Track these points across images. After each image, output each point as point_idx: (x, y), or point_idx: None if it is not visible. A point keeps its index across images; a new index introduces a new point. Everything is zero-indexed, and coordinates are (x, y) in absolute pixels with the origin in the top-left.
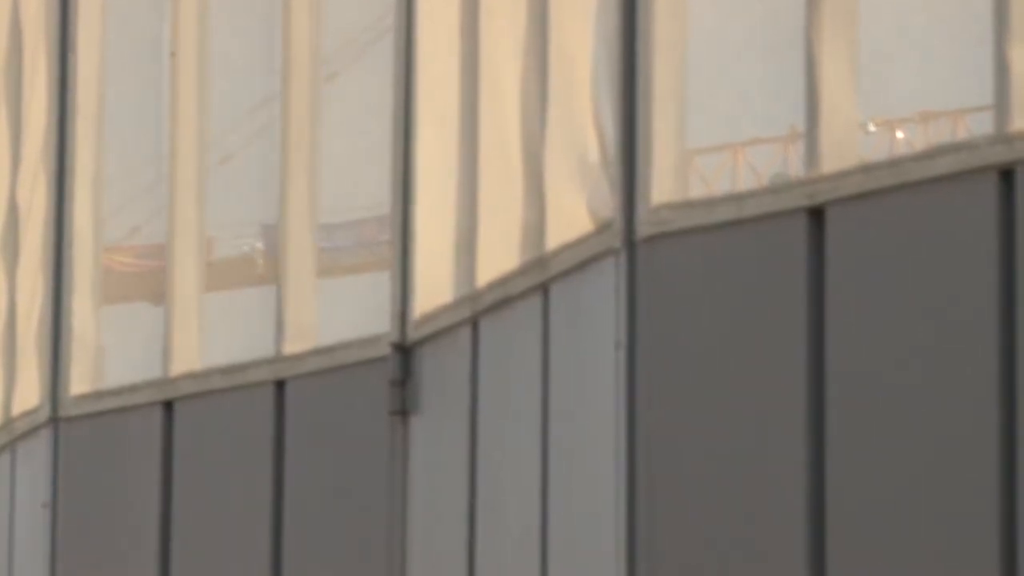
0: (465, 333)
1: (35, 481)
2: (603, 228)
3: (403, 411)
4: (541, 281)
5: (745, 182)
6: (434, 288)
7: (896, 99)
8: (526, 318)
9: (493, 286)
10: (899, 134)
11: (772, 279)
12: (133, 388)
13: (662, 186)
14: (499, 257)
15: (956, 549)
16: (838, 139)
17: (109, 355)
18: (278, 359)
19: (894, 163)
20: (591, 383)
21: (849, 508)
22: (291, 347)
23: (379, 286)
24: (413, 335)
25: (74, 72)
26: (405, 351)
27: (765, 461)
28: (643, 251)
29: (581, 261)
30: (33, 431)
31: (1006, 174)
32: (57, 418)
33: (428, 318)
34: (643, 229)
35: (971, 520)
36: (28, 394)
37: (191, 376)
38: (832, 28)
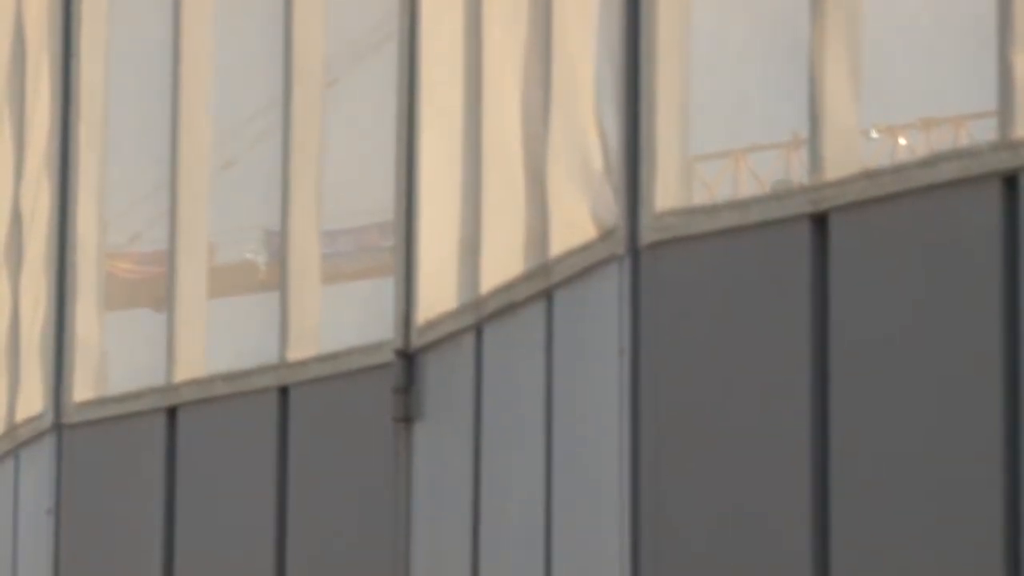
0: (469, 340)
1: (39, 488)
2: (606, 234)
3: (407, 418)
4: (545, 287)
5: (747, 188)
6: (438, 294)
7: (898, 105)
8: (530, 324)
9: (497, 292)
10: (901, 140)
11: (776, 285)
12: (137, 394)
13: (666, 192)
14: (503, 263)
15: (960, 562)
16: (841, 145)
17: (112, 361)
18: (282, 365)
19: (898, 169)
20: (595, 389)
21: (853, 513)
22: (295, 353)
23: (382, 292)
24: (417, 342)
25: (77, 78)
26: (409, 358)
27: (769, 467)
28: (647, 257)
29: (585, 267)
30: (36, 437)
31: (1010, 181)
32: (60, 424)
33: (432, 324)
34: (647, 235)
35: (974, 527)
36: (31, 400)
37: (195, 382)
38: (834, 34)
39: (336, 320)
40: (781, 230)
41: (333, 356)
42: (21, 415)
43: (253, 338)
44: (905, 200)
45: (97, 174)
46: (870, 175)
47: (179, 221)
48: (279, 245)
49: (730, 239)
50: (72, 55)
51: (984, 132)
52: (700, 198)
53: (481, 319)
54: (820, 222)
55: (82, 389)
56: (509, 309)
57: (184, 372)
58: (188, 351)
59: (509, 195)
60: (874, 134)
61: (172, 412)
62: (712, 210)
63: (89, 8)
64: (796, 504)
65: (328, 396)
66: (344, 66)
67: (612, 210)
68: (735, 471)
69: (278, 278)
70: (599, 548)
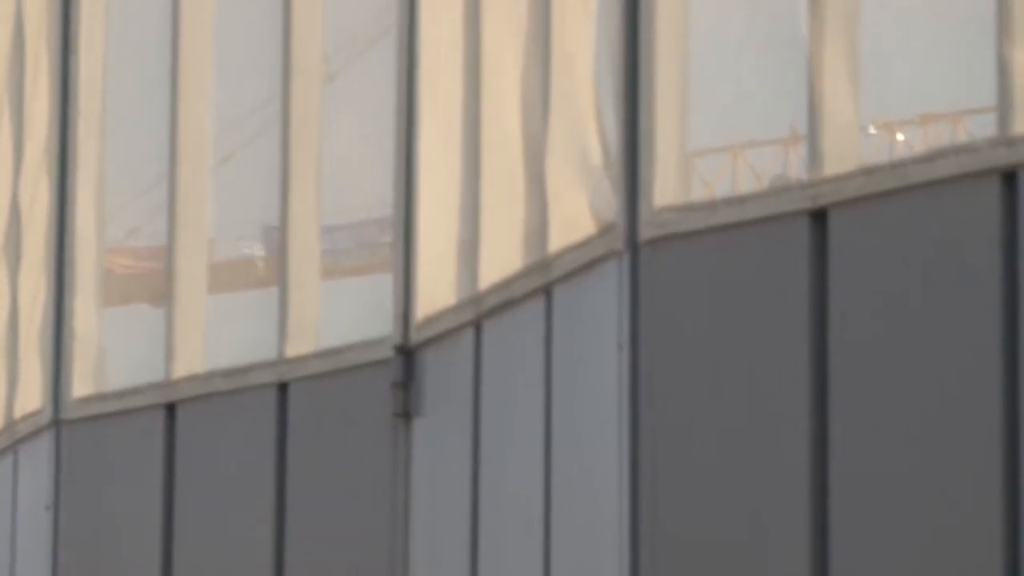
0: (468, 335)
1: (37, 484)
2: (605, 230)
3: (406, 413)
4: (544, 283)
5: (745, 184)
6: (437, 290)
7: (897, 101)
8: (529, 320)
9: (496, 288)
10: (900, 136)
11: (774, 281)
12: (135, 390)
13: (664, 188)
14: (502, 259)
15: (958, 556)
16: (839, 141)
17: (111, 357)
18: (281, 361)
19: (896, 166)
20: (594, 385)
21: (851, 506)
22: (294, 349)
23: (381, 288)
24: (416, 337)
25: (76, 72)
26: (408, 353)
27: (767, 462)
28: (645, 253)
29: (584, 263)
30: (35, 433)
31: (1008, 177)
32: (59, 420)
33: (431, 320)
34: (645, 231)
35: (973, 523)
36: (30, 396)
37: (193, 378)
38: (833, 30)
39: (335, 316)
40: (779, 226)
41: (332, 352)
42: (20, 411)
43: (252, 334)
44: (904, 196)
45: (96, 169)
46: (868, 171)
47: (178, 216)
48: (278, 240)
49: (728, 235)
50: (71, 49)
51: (983, 128)
52: (699, 194)
53: (480, 315)
54: (818, 218)
55: (81, 385)
56: (508, 305)
57: (183, 368)
58: (187, 347)
59: (508, 191)
60: (872, 130)
61: (171, 408)
62: (711, 206)
63: (88, 2)
64: (794, 500)
65: (327, 392)
66: (343, 60)
67: (611, 206)
68: (733, 467)
69: (277, 274)
70: (598, 543)
